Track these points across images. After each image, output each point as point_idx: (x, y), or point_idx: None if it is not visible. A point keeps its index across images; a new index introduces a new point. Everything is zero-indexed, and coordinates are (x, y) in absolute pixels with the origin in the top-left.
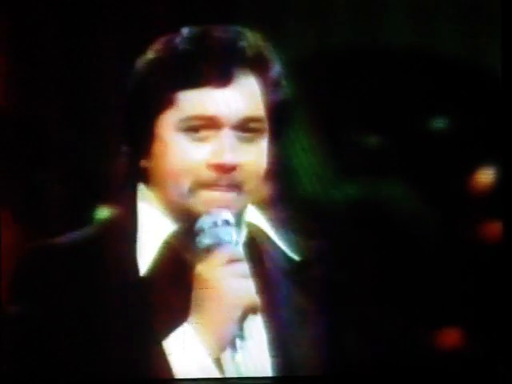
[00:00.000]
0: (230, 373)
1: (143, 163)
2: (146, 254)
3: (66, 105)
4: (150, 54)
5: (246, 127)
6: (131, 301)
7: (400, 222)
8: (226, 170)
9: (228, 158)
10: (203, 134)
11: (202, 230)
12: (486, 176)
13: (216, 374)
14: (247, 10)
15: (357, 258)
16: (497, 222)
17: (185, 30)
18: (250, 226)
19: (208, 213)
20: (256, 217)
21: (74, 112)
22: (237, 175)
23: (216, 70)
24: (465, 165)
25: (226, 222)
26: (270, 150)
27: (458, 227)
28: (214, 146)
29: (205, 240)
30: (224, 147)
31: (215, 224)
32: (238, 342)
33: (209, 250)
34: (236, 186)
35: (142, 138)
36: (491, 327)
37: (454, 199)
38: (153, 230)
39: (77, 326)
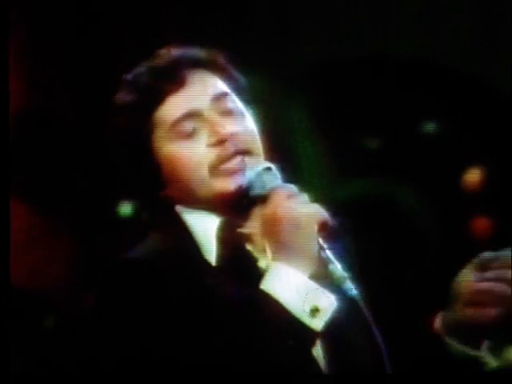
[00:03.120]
0: (329, 281)
1: (163, 193)
2: (211, 253)
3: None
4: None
5: (221, 105)
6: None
7: (402, 218)
8: (224, 139)
9: (221, 131)
10: (191, 128)
11: (249, 186)
12: (478, 175)
13: (317, 287)
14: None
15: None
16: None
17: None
18: None
19: (248, 170)
20: None
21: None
22: (237, 141)
23: (171, 77)
24: (460, 166)
25: (268, 169)
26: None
27: (454, 223)
28: (205, 131)
29: (255, 192)
30: (213, 125)
31: (259, 174)
32: (325, 252)
33: (262, 198)
34: (244, 150)
35: (149, 178)
36: None
37: (450, 197)
38: (208, 232)
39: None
